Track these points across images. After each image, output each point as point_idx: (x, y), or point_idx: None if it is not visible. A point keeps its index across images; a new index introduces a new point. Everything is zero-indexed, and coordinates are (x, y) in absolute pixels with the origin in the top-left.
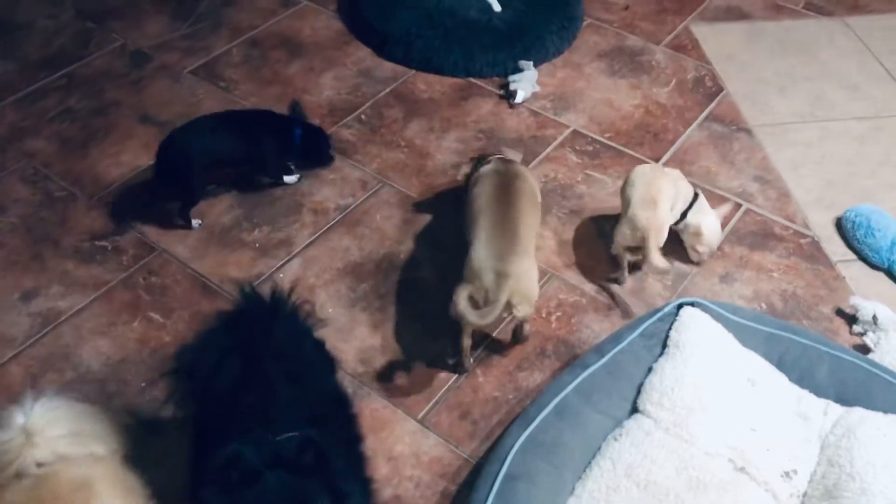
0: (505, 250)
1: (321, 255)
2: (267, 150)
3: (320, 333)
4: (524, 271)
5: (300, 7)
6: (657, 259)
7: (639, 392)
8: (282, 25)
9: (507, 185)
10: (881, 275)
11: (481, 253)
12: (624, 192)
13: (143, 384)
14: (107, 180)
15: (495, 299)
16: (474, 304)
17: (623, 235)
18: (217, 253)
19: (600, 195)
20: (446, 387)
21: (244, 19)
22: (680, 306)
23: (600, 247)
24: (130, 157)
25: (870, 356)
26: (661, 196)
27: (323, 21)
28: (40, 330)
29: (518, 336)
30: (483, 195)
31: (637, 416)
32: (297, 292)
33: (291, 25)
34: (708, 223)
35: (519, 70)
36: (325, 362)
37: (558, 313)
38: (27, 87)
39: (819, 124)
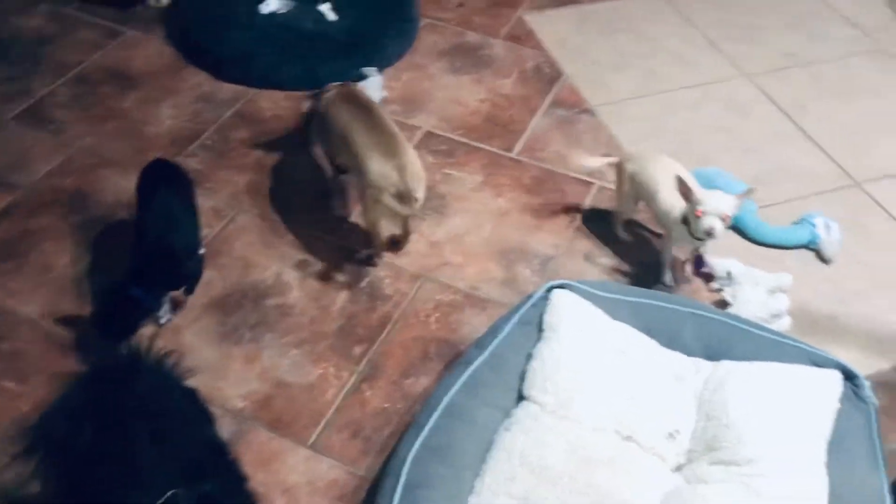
0: (392, 147)
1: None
2: None
3: (193, 380)
4: (412, 156)
5: (126, 37)
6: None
7: (522, 379)
8: (109, 58)
9: (356, 98)
10: (729, 231)
11: (375, 160)
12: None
13: (6, 460)
14: None
15: (411, 188)
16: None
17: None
18: (72, 306)
19: (461, 192)
20: (333, 408)
21: (66, 56)
22: (550, 290)
23: (468, 244)
24: None
25: (729, 309)
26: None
27: (153, 49)
28: None
29: (405, 235)
30: (342, 114)
31: (524, 403)
32: (161, 340)
33: (120, 56)
34: None
35: (363, 77)
36: (196, 410)
37: (437, 314)
38: None
39: (654, 97)
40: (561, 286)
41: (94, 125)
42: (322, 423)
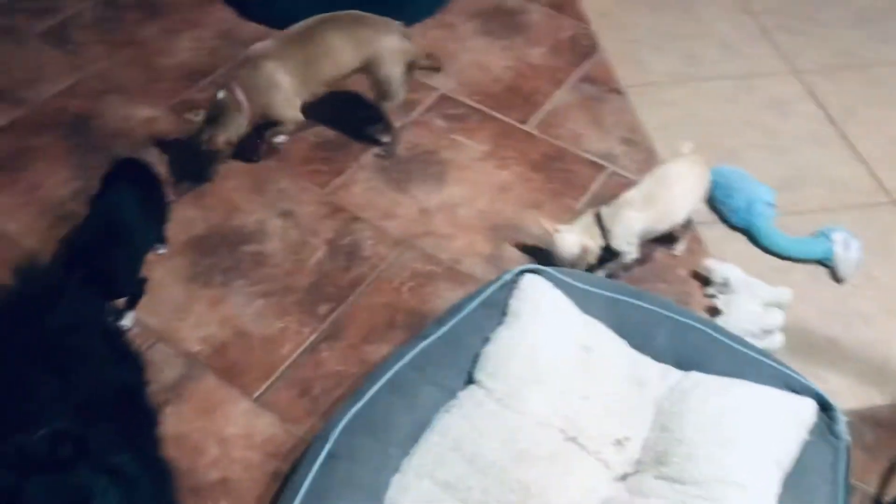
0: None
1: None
2: None
3: (153, 319)
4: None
5: None
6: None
7: (474, 363)
8: None
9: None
10: (740, 236)
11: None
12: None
13: None
14: None
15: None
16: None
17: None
18: (49, 228)
19: (464, 161)
20: (287, 363)
21: None
22: (522, 273)
23: (460, 215)
24: None
25: (719, 319)
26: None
27: None
28: None
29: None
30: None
31: (471, 387)
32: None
33: None
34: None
35: None
36: (115, 350)
37: (411, 283)
38: None
39: (690, 84)
40: (533, 270)
41: (111, 50)
42: (272, 378)
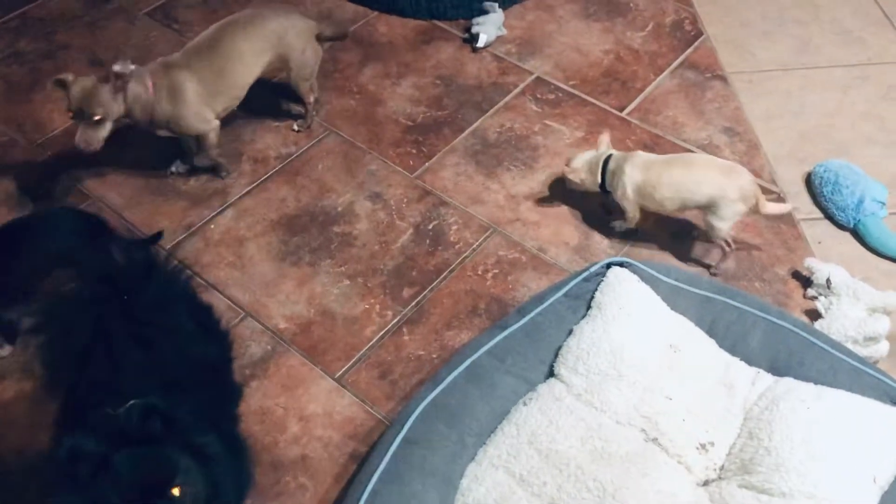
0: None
1: (256, 205)
2: None
3: (238, 295)
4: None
5: None
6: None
7: (556, 355)
8: None
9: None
10: (847, 235)
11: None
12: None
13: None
14: (50, 126)
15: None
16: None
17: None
18: (151, 202)
19: (557, 147)
20: (369, 345)
21: None
22: (609, 266)
23: (549, 202)
24: None
25: (819, 322)
26: None
27: None
28: None
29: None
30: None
31: (551, 380)
32: (225, 250)
33: None
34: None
35: (484, 12)
36: (203, 326)
37: (495, 270)
38: None
39: (802, 72)
40: (621, 264)
41: None
42: (354, 359)
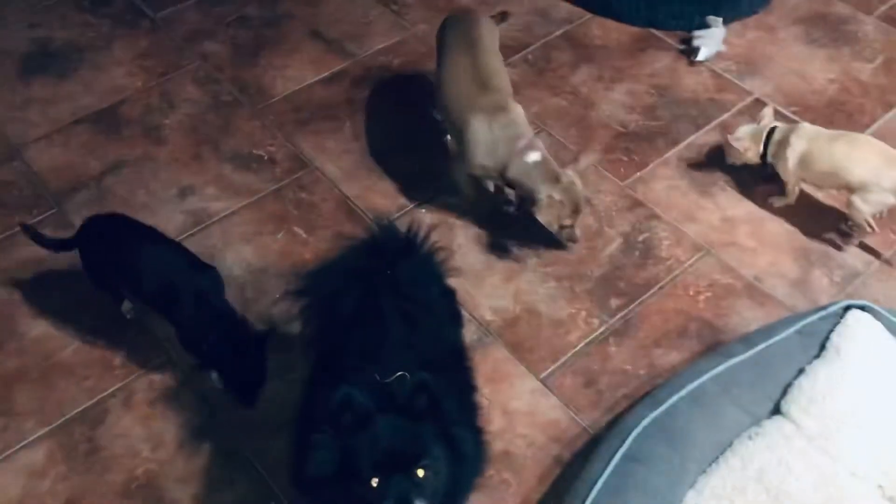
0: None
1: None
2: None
3: (454, 282)
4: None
5: None
6: None
7: (784, 393)
8: None
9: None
10: None
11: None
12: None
13: (277, 295)
14: (271, 91)
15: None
16: None
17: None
18: (367, 178)
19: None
20: (574, 350)
21: None
22: (848, 308)
23: (767, 230)
24: (296, 71)
25: None
26: None
27: None
28: (192, 227)
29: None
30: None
31: (778, 417)
32: (437, 234)
33: None
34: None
35: (706, 26)
36: (450, 310)
37: (708, 294)
38: None
39: None
40: (862, 307)
41: (433, 14)
42: (559, 362)
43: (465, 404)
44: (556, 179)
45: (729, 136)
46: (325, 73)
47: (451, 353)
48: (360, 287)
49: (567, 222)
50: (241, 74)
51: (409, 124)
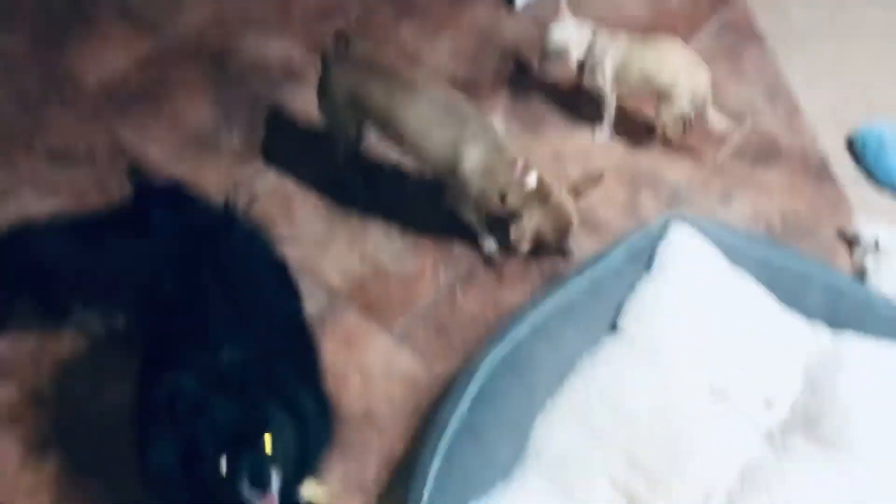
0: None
1: (305, 163)
2: None
3: (295, 251)
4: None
5: None
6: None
7: (618, 311)
8: None
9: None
10: (890, 196)
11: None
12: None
13: None
14: (83, 80)
15: None
16: None
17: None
18: (195, 157)
19: None
20: (425, 303)
21: None
22: (669, 221)
23: (595, 161)
24: (107, 55)
25: (868, 282)
26: None
27: None
28: None
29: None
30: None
31: (615, 335)
32: (274, 206)
33: None
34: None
35: None
36: (280, 280)
37: None
38: None
39: (843, 32)
40: (683, 219)
41: None
42: (411, 315)
43: (304, 369)
44: (545, 199)
45: (552, 25)
46: (140, 55)
47: (287, 323)
48: (176, 270)
49: (550, 240)
50: (48, 67)
51: (231, 98)
